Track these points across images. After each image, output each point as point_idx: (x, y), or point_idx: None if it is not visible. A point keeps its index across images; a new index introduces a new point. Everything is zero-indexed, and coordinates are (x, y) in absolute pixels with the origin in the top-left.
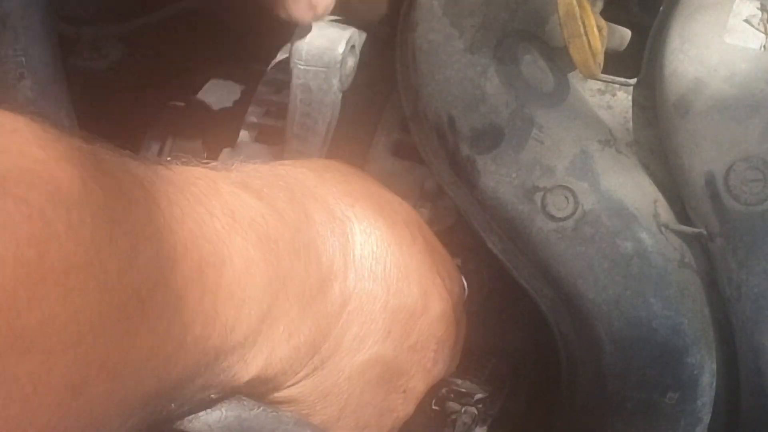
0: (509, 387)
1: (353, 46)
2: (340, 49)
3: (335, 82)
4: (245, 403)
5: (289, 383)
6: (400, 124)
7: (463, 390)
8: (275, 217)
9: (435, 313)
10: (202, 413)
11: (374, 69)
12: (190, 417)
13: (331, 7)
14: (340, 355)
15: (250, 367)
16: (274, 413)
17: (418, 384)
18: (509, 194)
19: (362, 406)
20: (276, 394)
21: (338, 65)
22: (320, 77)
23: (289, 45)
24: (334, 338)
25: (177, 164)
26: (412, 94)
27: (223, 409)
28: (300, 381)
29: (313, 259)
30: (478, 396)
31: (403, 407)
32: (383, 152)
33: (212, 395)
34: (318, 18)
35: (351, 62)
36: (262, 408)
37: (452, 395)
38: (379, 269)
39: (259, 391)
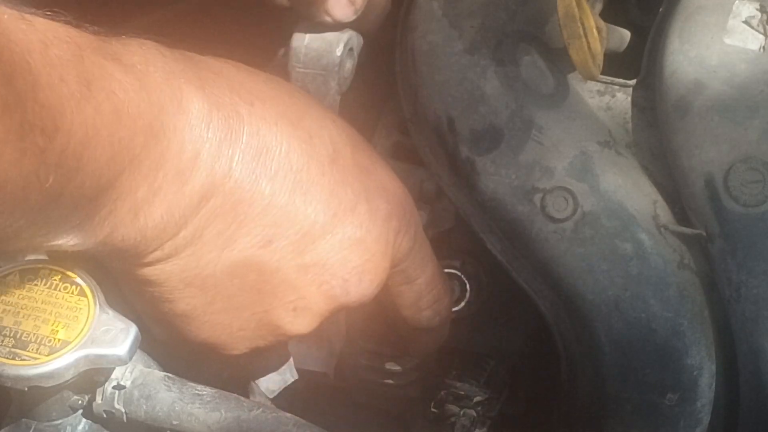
0: (508, 389)
1: (351, 49)
2: (338, 51)
3: (333, 84)
4: (245, 404)
5: (142, 261)
6: (398, 127)
7: (461, 393)
8: (140, 94)
9: (345, 238)
10: (201, 414)
11: (373, 70)
12: (189, 418)
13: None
14: (200, 248)
15: (88, 238)
16: (274, 414)
17: (314, 306)
18: (509, 195)
19: (236, 308)
20: (136, 271)
21: (336, 68)
22: (318, 80)
23: (285, 48)
24: (192, 229)
25: (55, 22)
26: (411, 95)
27: (222, 410)
28: (155, 263)
29: (175, 145)
30: (477, 398)
31: (292, 324)
32: (382, 154)
33: (44, 255)
34: (357, 13)
35: (349, 64)
36: (261, 409)
37: (451, 398)
38: (264, 174)
39: (109, 260)
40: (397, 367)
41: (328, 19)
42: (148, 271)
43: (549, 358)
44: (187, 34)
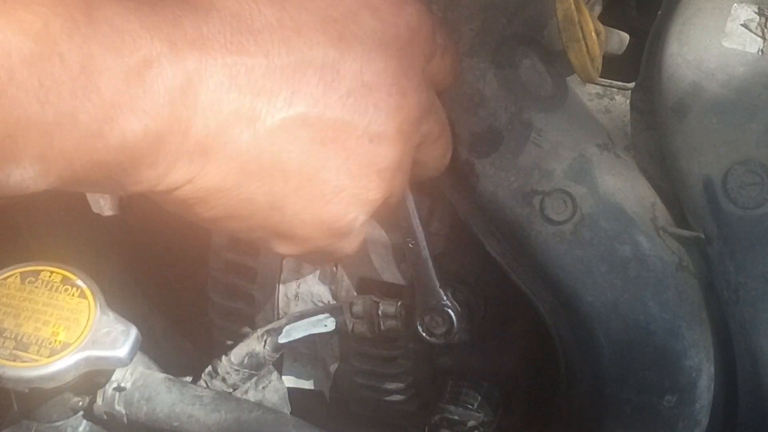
0: (503, 410)
1: None
2: None
3: None
4: (244, 405)
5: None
6: None
7: (455, 417)
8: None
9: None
10: (201, 415)
11: None
12: (190, 419)
13: None
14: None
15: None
16: (274, 415)
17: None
18: (508, 198)
19: (318, 169)
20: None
21: None
22: None
23: None
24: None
25: None
26: None
27: (222, 411)
28: (174, 189)
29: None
30: (471, 423)
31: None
32: None
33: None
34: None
35: None
36: (261, 410)
37: (445, 423)
38: None
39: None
40: (393, 385)
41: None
42: (174, 196)
43: (545, 373)
44: None
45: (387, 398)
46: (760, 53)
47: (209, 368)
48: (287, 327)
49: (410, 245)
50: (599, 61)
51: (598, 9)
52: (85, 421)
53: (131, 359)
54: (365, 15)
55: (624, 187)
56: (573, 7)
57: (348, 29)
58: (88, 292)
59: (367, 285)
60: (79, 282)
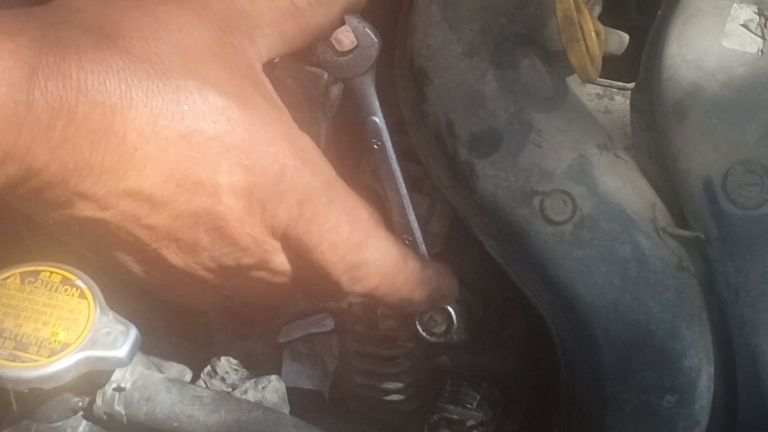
0: (502, 410)
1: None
2: (322, 83)
3: (320, 113)
4: (244, 405)
5: None
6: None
7: (455, 417)
8: None
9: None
10: (201, 416)
11: None
12: (190, 420)
13: None
14: None
15: None
16: (274, 416)
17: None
18: (508, 198)
19: None
20: None
21: (321, 98)
22: (304, 110)
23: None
24: None
25: None
26: (410, 98)
27: (222, 412)
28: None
29: None
30: (470, 423)
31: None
32: (369, 178)
33: None
34: None
35: (336, 91)
36: (261, 410)
37: (444, 422)
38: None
39: None
40: (392, 385)
41: None
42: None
43: (544, 373)
44: None
45: (386, 398)
46: (759, 53)
47: (208, 368)
48: (286, 326)
49: (407, 242)
50: (599, 61)
51: (598, 9)
52: (84, 422)
53: (131, 359)
54: None
55: (624, 187)
56: (573, 7)
57: None
58: (87, 293)
59: None
60: (79, 282)
